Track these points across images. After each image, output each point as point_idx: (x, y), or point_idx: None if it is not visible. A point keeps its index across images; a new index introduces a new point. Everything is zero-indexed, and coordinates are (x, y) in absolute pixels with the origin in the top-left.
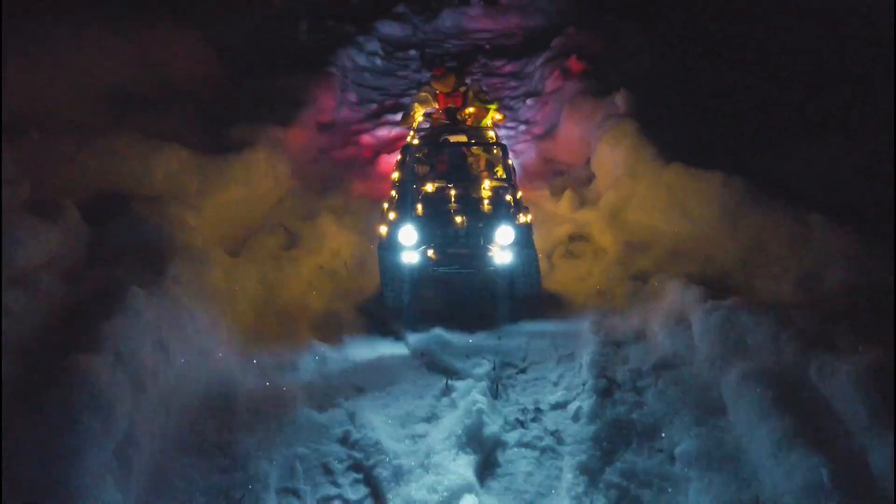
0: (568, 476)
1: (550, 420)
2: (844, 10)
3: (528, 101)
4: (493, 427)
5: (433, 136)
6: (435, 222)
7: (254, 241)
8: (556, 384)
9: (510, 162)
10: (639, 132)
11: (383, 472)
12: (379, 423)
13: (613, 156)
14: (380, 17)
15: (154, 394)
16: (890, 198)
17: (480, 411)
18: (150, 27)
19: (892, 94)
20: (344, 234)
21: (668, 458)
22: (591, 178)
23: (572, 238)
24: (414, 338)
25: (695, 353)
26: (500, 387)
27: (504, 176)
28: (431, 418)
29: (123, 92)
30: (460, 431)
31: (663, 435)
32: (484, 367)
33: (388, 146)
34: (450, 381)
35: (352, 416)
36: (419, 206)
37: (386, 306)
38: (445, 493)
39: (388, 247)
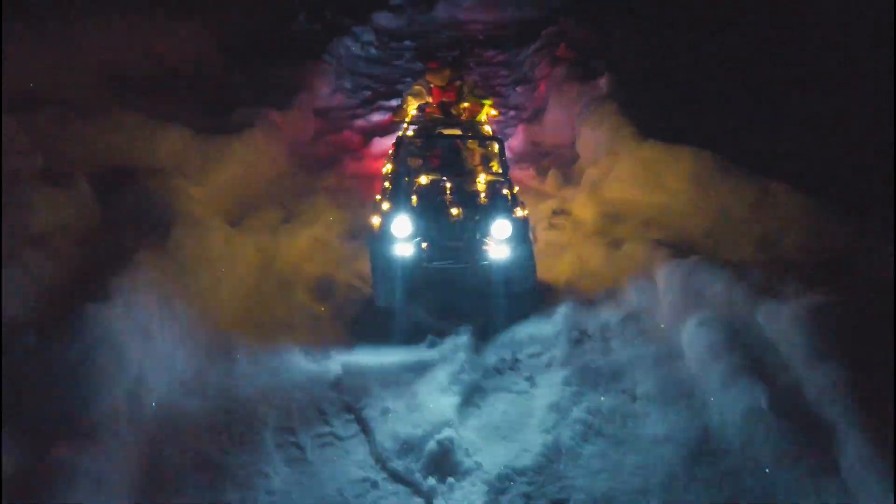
0: (539, 413)
1: (526, 368)
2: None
3: (518, 89)
4: (473, 375)
5: (427, 129)
6: (430, 214)
7: (252, 215)
8: (532, 337)
9: (503, 157)
10: (619, 113)
11: (372, 413)
12: (368, 371)
13: (595, 136)
14: (376, 8)
15: (161, 343)
16: (844, 167)
17: (462, 360)
18: (151, 17)
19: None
20: (338, 209)
21: (631, 397)
22: (575, 159)
23: (555, 213)
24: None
25: (658, 306)
26: (481, 341)
27: (500, 171)
28: (418, 368)
29: (127, 76)
30: (443, 378)
31: (627, 378)
32: (468, 325)
33: (382, 130)
34: (435, 337)
35: (344, 366)
36: (414, 198)
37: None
38: (428, 427)
39: (381, 239)
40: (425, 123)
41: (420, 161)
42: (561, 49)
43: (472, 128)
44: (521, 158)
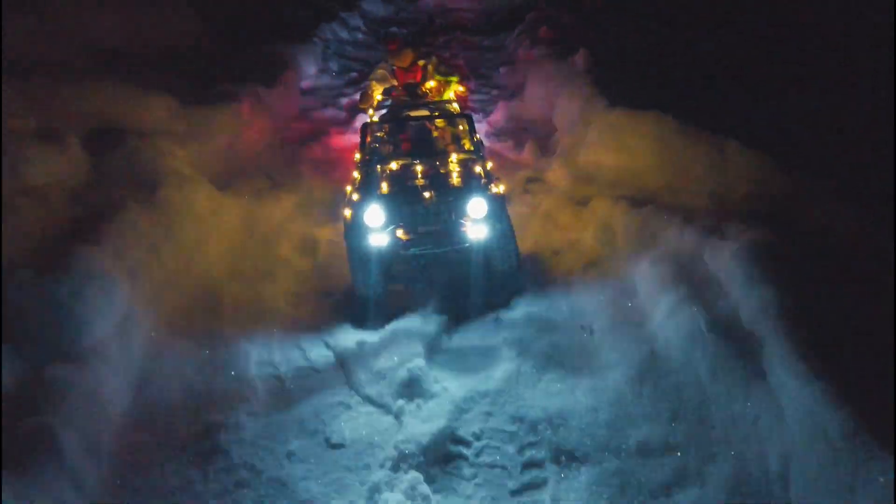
0: (504, 349)
1: (492, 308)
2: None
3: (502, 69)
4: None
5: (394, 113)
6: (402, 200)
7: (238, 180)
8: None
9: (476, 135)
10: (592, 85)
11: (347, 348)
12: (346, 319)
13: (570, 108)
14: None
15: (149, 286)
16: (789, 126)
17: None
18: None
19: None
20: (320, 178)
21: (588, 332)
22: (552, 132)
23: (530, 180)
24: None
25: (616, 251)
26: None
27: (471, 148)
28: (394, 318)
29: (117, 52)
30: (417, 319)
31: (586, 315)
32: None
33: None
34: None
35: (321, 310)
36: (384, 185)
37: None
38: (400, 360)
39: (354, 230)
40: (392, 108)
41: (390, 147)
42: (542, 31)
43: (440, 108)
44: (501, 133)
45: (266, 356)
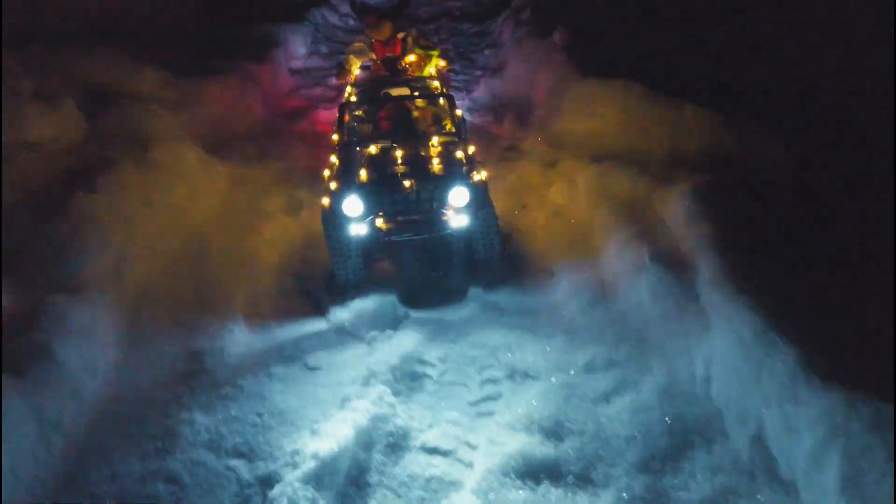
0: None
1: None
2: None
3: (487, 52)
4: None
5: (372, 90)
6: (382, 189)
7: (227, 147)
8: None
9: (458, 113)
10: (567, 60)
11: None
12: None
13: (547, 82)
14: None
15: (141, 233)
16: (743, 87)
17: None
18: None
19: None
20: (307, 148)
21: (549, 274)
22: (531, 107)
23: (507, 149)
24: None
25: (577, 202)
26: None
27: (453, 130)
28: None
29: (111, 26)
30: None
31: (547, 259)
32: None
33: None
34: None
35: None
36: (362, 173)
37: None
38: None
39: (333, 219)
40: (370, 83)
41: (367, 127)
42: (526, 13)
43: (421, 85)
44: (483, 108)
45: (249, 295)
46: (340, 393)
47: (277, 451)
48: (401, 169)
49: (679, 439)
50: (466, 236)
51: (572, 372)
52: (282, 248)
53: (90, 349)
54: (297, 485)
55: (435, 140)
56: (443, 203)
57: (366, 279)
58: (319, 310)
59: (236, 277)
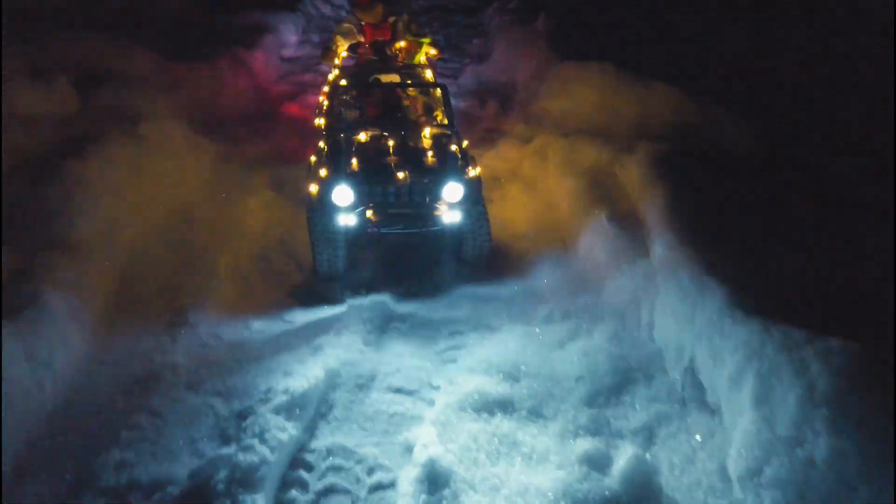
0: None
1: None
2: None
3: (476, 41)
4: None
5: (361, 75)
6: (374, 179)
7: (217, 127)
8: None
9: (448, 103)
10: (548, 46)
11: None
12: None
13: (529, 67)
14: None
15: (130, 201)
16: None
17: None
18: None
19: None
20: (295, 129)
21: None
22: (514, 91)
23: (488, 130)
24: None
25: (548, 173)
26: None
27: (446, 122)
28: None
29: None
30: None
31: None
32: None
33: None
34: None
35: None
36: (354, 161)
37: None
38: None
39: (321, 209)
40: (358, 68)
41: (355, 114)
42: (513, 3)
43: (411, 73)
44: (468, 94)
45: (232, 259)
46: (314, 342)
47: (252, 390)
48: (393, 160)
49: (622, 377)
50: (456, 234)
51: (531, 324)
52: (265, 218)
53: (80, 302)
54: (268, 415)
55: (427, 131)
56: (436, 198)
57: (347, 270)
58: (301, 273)
59: (221, 243)
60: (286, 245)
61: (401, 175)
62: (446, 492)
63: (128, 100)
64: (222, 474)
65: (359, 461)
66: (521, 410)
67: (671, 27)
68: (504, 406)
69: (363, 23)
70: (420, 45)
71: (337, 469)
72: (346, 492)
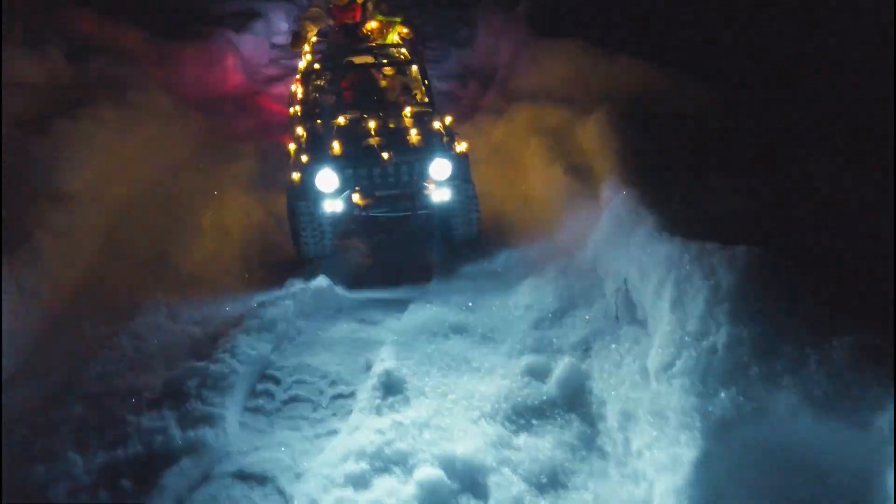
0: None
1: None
2: None
3: (463, 30)
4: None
5: (334, 58)
6: (358, 162)
7: (204, 101)
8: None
9: (427, 82)
10: (527, 27)
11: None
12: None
13: (508, 49)
14: None
15: (118, 161)
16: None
17: None
18: None
19: None
20: (281, 107)
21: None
22: (494, 72)
23: (467, 106)
24: None
25: (516, 136)
26: None
27: (426, 100)
28: None
29: None
30: None
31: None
32: None
33: None
34: None
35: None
36: (335, 145)
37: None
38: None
39: (304, 195)
40: (330, 52)
41: (332, 98)
42: None
43: (385, 53)
44: (451, 76)
45: (217, 218)
46: (287, 281)
47: (227, 318)
48: (376, 140)
49: (567, 303)
50: (446, 214)
51: (491, 267)
52: (247, 183)
53: (69, 246)
54: (240, 336)
55: (407, 110)
56: (423, 176)
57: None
58: (279, 228)
59: (205, 201)
60: (266, 204)
61: (385, 155)
62: (399, 397)
63: (117, 71)
64: (194, 382)
65: (322, 376)
66: (475, 335)
67: (647, 6)
68: (459, 330)
69: (331, 5)
70: (392, 24)
71: (301, 382)
72: (309, 401)
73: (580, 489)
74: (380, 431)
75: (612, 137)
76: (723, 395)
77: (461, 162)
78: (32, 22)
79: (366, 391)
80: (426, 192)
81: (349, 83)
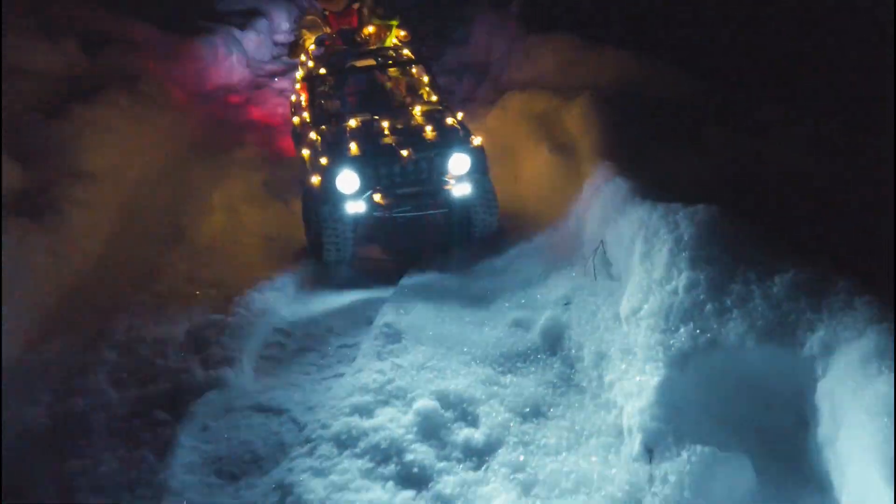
0: None
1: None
2: None
3: (458, 30)
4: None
5: (336, 63)
6: (378, 160)
7: (212, 95)
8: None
9: (433, 80)
10: (519, 23)
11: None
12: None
13: (501, 45)
14: None
15: (132, 145)
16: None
17: None
18: None
19: None
20: (283, 99)
21: None
22: (488, 67)
23: (463, 100)
24: None
25: (507, 122)
26: None
27: (435, 98)
28: None
29: None
30: None
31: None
32: None
33: None
34: None
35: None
36: (353, 146)
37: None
38: None
39: (325, 198)
40: (333, 58)
41: (337, 103)
42: None
43: (389, 54)
44: (447, 72)
45: (224, 197)
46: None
47: (240, 282)
48: (392, 139)
49: (551, 267)
50: (466, 210)
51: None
52: (252, 166)
53: (93, 218)
54: (253, 294)
55: (417, 109)
56: (443, 171)
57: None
58: (286, 207)
59: (213, 183)
60: (269, 186)
61: (405, 152)
62: (397, 345)
63: (128, 63)
64: (213, 332)
65: (328, 330)
66: (466, 297)
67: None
68: (451, 293)
69: (327, 12)
70: (389, 27)
71: (309, 336)
72: (317, 350)
73: (559, 418)
74: (381, 372)
75: (593, 119)
76: (682, 330)
77: (479, 155)
78: (50, 15)
79: (368, 341)
80: (448, 187)
81: (354, 87)
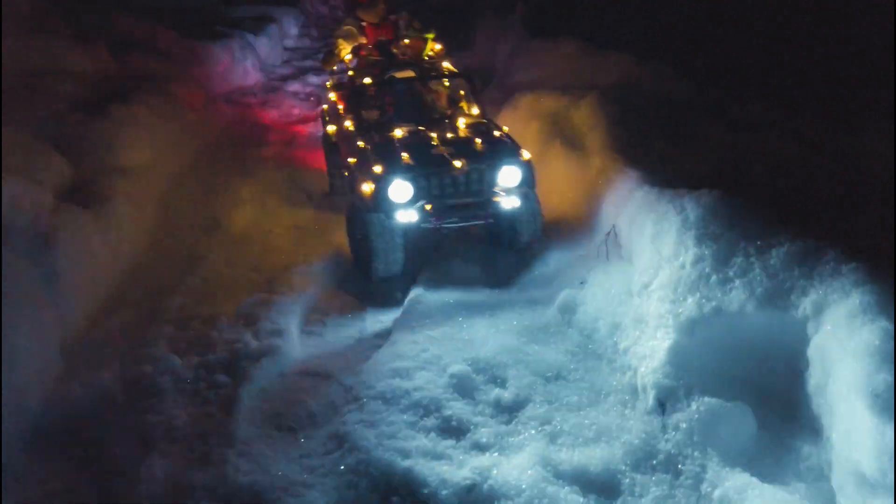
0: None
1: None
2: None
3: (462, 35)
4: None
5: (375, 74)
6: (430, 170)
7: (229, 97)
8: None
9: (474, 93)
10: (523, 26)
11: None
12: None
13: (505, 48)
14: None
15: (167, 140)
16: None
17: None
18: None
19: None
20: (297, 101)
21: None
22: (493, 70)
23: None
24: None
25: (518, 120)
26: None
27: (477, 112)
28: None
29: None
30: None
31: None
32: None
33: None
34: None
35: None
36: (405, 155)
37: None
38: None
39: (375, 208)
40: (367, 68)
41: (377, 113)
42: None
43: (429, 66)
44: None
45: (253, 190)
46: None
47: (277, 267)
48: (443, 150)
49: (567, 250)
50: (511, 220)
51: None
52: (277, 163)
53: (137, 209)
54: (294, 276)
55: (461, 121)
56: (493, 183)
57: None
58: (311, 202)
59: (242, 177)
60: (295, 180)
61: (457, 163)
62: (428, 321)
63: (155, 65)
64: (261, 309)
65: (362, 308)
66: (489, 281)
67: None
68: (476, 278)
69: (364, 23)
70: (425, 40)
71: (346, 314)
72: (355, 326)
73: (579, 381)
74: (415, 342)
75: (601, 116)
76: (689, 299)
77: (529, 169)
78: (81, 20)
79: (401, 318)
80: (497, 198)
81: (394, 98)
